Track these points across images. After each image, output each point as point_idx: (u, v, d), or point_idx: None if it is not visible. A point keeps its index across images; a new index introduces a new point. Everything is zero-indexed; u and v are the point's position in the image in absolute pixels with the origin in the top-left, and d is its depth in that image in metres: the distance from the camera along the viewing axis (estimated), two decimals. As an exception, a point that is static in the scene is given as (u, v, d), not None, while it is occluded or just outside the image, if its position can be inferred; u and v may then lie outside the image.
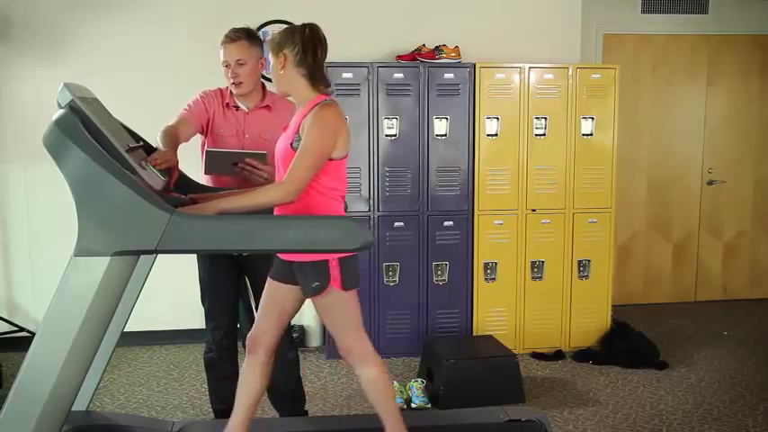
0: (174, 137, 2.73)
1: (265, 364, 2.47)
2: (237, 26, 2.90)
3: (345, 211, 2.47)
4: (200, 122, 2.94)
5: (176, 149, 2.65)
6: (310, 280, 2.30)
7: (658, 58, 5.46)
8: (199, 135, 3.00)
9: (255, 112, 2.96)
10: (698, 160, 5.60)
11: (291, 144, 2.30)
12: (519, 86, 4.29)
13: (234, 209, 2.14)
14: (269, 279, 2.47)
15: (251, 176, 2.67)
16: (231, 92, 2.96)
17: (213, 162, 2.72)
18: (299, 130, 2.29)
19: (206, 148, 2.92)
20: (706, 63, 5.51)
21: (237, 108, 2.97)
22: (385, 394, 2.44)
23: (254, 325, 2.51)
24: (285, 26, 2.38)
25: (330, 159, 2.29)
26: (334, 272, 2.28)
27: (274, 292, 2.46)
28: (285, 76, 2.33)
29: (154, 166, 2.34)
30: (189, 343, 4.49)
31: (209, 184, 2.90)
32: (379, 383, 2.42)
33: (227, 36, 2.87)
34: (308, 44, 2.30)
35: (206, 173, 2.82)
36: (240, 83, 2.88)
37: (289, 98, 2.49)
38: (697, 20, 5.43)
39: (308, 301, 2.49)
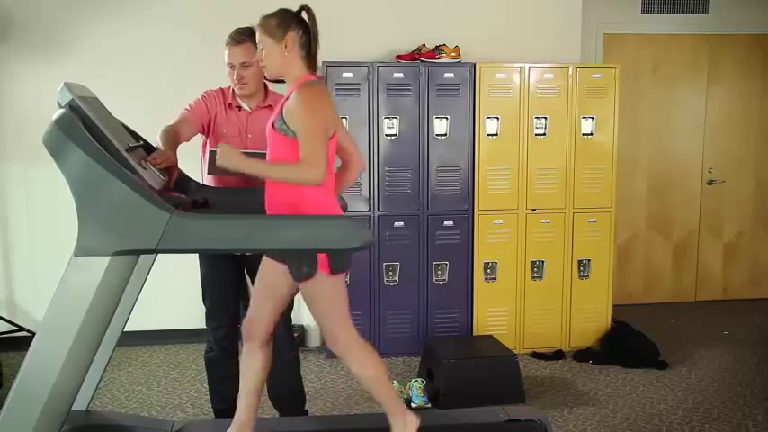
0: (173, 136, 2.73)
1: (263, 352, 2.44)
2: (240, 26, 2.89)
3: (340, 202, 2.45)
4: (201, 122, 2.94)
5: (176, 149, 2.66)
6: (299, 265, 2.27)
7: (658, 58, 5.46)
8: (200, 135, 3.00)
9: (258, 111, 2.96)
10: (698, 160, 5.60)
11: (273, 124, 2.29)
12: (519, 86, 4.29)
13: (260, 172, 2.24)
14: (264, 258, 2.43)
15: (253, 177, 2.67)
16: (233, 92, 2.96)
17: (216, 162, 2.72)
18: (281, 110, 2.28)
19: (208, 148, 2.92)
20: (706, 63, 5.51)
21: (240, 108, 2.97)
22: (378, 381, 2.39)
23: (248, 309, 2.49)
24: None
25: None
26: (321, 256, 2.24)
27: (268, 274, 2.42)
28: (288, 59, 2.31)
29: (153, 166, 2.34)
30: (189, 342, 4.49)
31: (212, 184, 2.90)
32: (372, 371, 2.38)
33: (231, 38, 2.86)
34: (311, 26, 2.32)
35: (209, 173, 2.82)
36: (245, 84, 2.88)
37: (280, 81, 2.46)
38: (697, 19, 5.43)
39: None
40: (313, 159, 2.17)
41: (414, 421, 2.39)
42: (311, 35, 2.33)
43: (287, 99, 2.29)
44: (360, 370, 2.40)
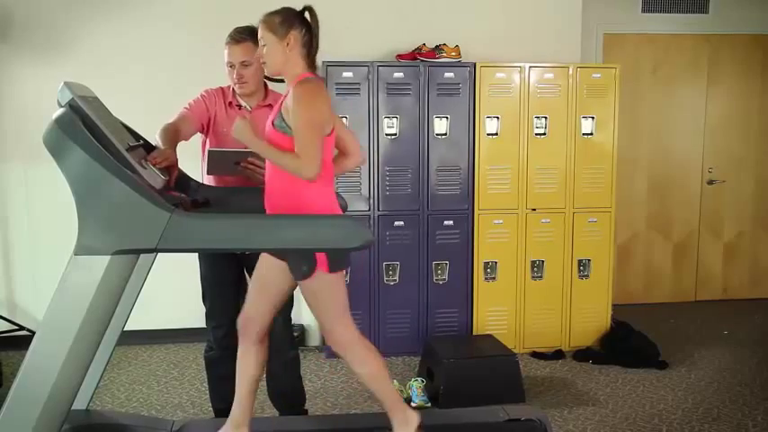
0: (173, 135, 2.72)
1: (259, 348, 2.45)
2: (239, 25, 2.90)
3: (340, 202, 2.46)
4: (201, 121, 2.94)
5: (175, 147, 2.65)
6: (300, 264, 2.28)
7: (659, 58, 5.46)
8: (199, 135, 3.00)
9: (258, 110, 2.96)
10: (698, 160, 5.60)
11: (273, 122, 2.30)
12: (519, 86, 4.29)
13: (264, 151, 2.26)
14: (262, 255, 2.43)
15: (253, 175, 2.67)
16: (234, 91, 2.96)
17: (216, 162, 2.72)
18: (281, 108, 2.29)
19: (208, 147, 2.91)
20: (706, 63, 5.51)
21: (240, 107, 2.97)
22: (379, 379, 2.40)
23: (245, 304, 2.49)
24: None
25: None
26: (320, 255, 2.25)
27: (266, 270, 2.43)
28: (289, 57, 2.32)
29: (153, 165, 2.33)
30: (189, 342, 4.49)
31: (212, 184, 2.90)
32: (373, 369, 2.38)
33: (231, 37, 2.86)
34: (313, 26, 2.33)
35: (208, 173, 2.81)
36: (245, 83, 2.88)
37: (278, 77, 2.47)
38: (697, 19, 5.43)
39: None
40: (306, 153, 2.18)
41: (414, 418, 2.41)
42: (313, 35, 2.34)
43: (286, 97, 2.30)
44: (360, 368, 2.40)
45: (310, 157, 2.18)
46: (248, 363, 2.46)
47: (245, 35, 2.83)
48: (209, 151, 2.77)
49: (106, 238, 1.86)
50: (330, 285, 2.32)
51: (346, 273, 2.42)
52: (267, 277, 2.43)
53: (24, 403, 1.93)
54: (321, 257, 2.25)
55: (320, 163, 2.19)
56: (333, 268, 2.28)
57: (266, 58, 2.34)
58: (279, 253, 2.36)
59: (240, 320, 2.48)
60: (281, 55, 2.31)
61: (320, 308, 2.37)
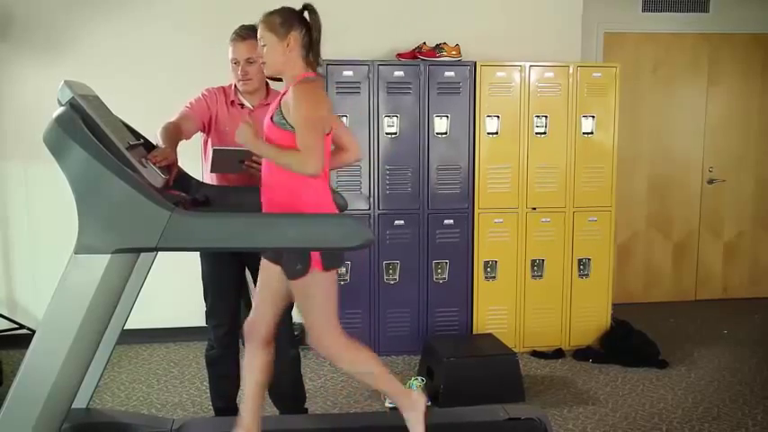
0: (174, 133, 2.72)
1: (264, 352, 2.47)
2: (239, 24, 2.90)
3: (335, 197, 2.46)
4: (202, 120, 2.94)
5: (176, 146, 2.65)
6: (294, 263, 2.28)
7: (659, 57, 5.45)
8: (200, 134, 3.00)
9: (260, 109, 2.96)
10: (698, 159, 5.60)
11: (272, 118, 2.31)
12: (519, 85, 4.29)
13: (266, 152, 2.27)
14: (263, 261, 2.45)
15: (257, 174, 2.68)
16: (235, 90, 2.96)
17: (220, 160, 2.71)
18: (279, 105, 2.29)
19: (211, 146, 2.91)
20: (707, 62, 5.51)
21: (242, 106, 2.97)
22: (374, 376, 2.42)
23: (251, 311, 2.52)
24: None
25: None
26: (315, 253, 2.26)
27: (269, 276, 2.44)
28: (289, 57, 2.33)
29: (154, 164, 2.34)
30: (189, 340, 4.49)
31: (213, 182, 2.90)
32: (364, 368, 2.40)
33: (236, 34, 2.88)
34: (313, 26, 2.34)
35: (212, 171, 2.81)
36: (249, 80, 2.89)
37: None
38: (698, 18, 5.43)
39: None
40: (310, 150, 2.19)
41: (421, 401, 2.43)
42: (313, 35, 2.35)
43: (284, 94, 2.31)
44: (351, 368, 2.42)
45: (313, 153, 2.18)
46: (255, 367, 2.47)
47: (251, 32, 2.83)
48: (214, 149, 2.77)
49: (106, 237, 1.86)
50: (323, 285, 2.32)
51: (345, 271, 2.42)
52: (269, 284, 2.45)
53: (24, 402, 1.93)
54: (315, 255, 2.25)
55: (323, 159, 2.21)
56: (327, 265, 2.28)
57: (266, 58, 2.35)
58: (273, 257, 2.37)
59: (246, 325, 2.50)
60: (280, 55, 2.33)
61: (312, 310, 2.36)
